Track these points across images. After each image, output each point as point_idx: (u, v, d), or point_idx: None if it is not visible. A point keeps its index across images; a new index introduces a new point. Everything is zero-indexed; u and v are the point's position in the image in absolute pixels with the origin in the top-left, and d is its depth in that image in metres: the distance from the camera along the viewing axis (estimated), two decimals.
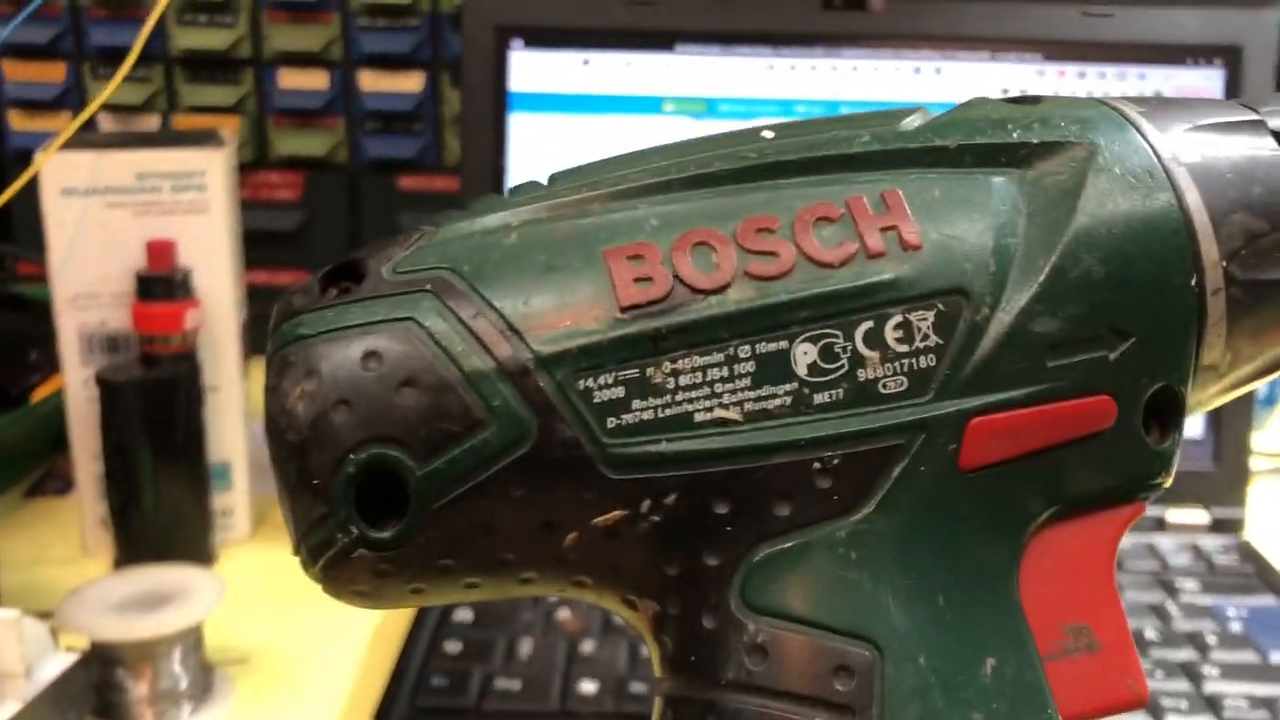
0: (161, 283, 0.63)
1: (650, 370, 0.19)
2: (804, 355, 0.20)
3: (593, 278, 0.19)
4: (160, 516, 0.64)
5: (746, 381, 0.19)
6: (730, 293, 0.19)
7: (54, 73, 0.96)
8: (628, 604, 0.21)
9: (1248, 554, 0.63)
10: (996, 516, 0.21)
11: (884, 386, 0.20)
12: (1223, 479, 0.65)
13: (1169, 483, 0.22)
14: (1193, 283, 0.21)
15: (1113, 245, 0.20)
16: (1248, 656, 0.53)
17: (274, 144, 0.93)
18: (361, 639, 0.58)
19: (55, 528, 0.70)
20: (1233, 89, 0.64)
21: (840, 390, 0.20)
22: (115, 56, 0.93)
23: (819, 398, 0.20)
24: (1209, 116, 0.22)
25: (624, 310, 0.19)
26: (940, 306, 0.20)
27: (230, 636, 0.57)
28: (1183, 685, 0.51)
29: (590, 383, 0.19)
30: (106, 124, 0.94)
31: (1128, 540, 0.61)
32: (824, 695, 0.19)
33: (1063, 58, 0.64)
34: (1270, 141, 0.22)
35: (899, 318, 0.20)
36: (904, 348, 0.20)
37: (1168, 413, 0.22)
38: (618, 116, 0.65)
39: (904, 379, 0.20)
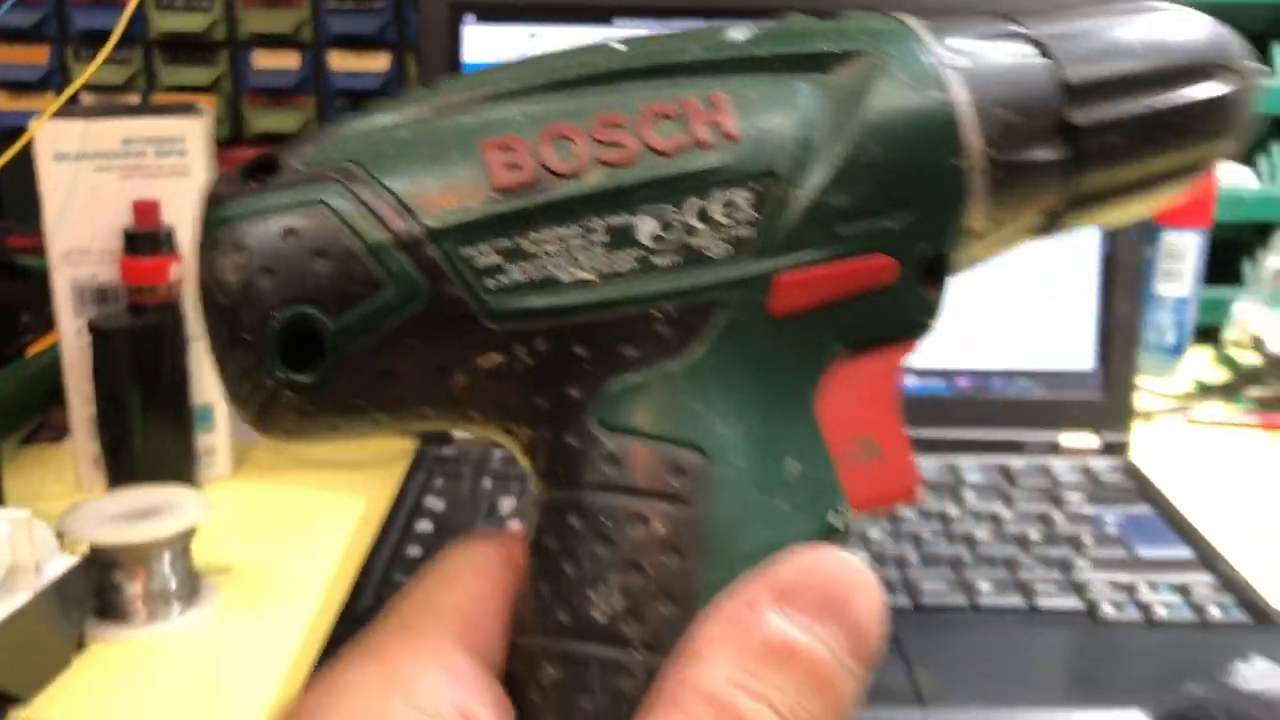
0: (147, 239, 0.69)
1: (521, 241, 0.22)
2: (646, 227, 0.23)
3: (471, 165, 0.22)
4: (148, 454, 0.70)
5: (601, 249, 0.23)
6: (585, 177, 0.23)
7: (38, 55, 1.01)
8: (508, 433, 0.24)
9: (1131, 472, 0.70)
10: (800, 353, 0.24)
11: (710, 252, 0.23)
12: (1110, 408, 0.73)
13: (935, 324, 0.26)
14: (959, 165, 0.24)
15: (893, 135, 0.24)
16: (1117, 553, 0.60)
17: (248, 122, 0.99)
18: (334, 555, 0.64)
19: (51, 470, 0.76)
20: None
21: (676, 256, 0.23)
22: (97, 39, 0.99)
23: (659, 261, 0.23)
24: (980, 29, 0.26)
25: (497, 191, 0.22)
26: (756, 186, 0.23)
27: (214, 553, 0.63)
28: (1055, 574, 0.58)
29: (472, 251, 0.22)
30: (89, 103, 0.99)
31: (1022, 462, 0.69)
32: (664, 490, 0.23)
33: None
34: (1028, 49, 0.26)
35: (723, 196, 0.23)
36: (727, 220, 0.23)
37: (938, 269, 0.25)
38: None
39: (727, 245, 0.23)
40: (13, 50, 1.00)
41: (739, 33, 0.25)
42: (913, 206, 0.24)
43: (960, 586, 0.57)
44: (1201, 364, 0.96)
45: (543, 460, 0.24)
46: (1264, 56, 1.02)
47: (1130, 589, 0.57)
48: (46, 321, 0.90)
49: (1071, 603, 0.56)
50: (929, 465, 0.69)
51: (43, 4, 0.99)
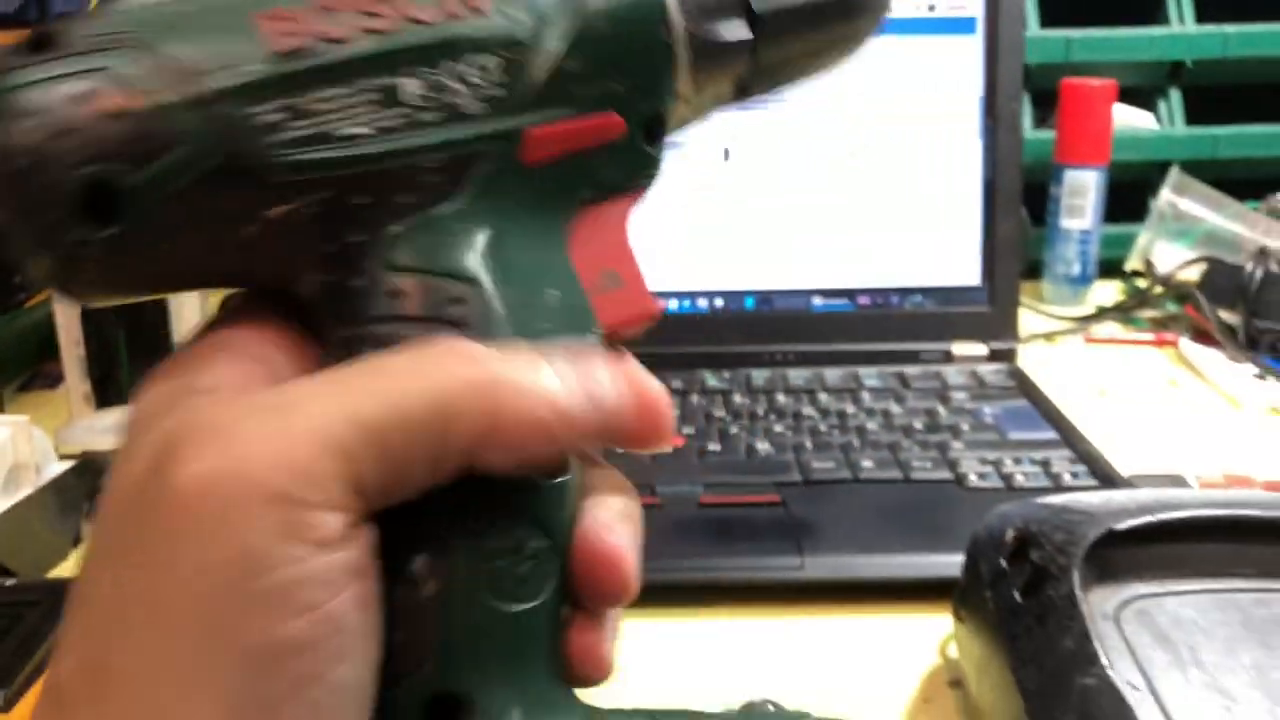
0: None
1: (299, 101, 0.24)
2: (412, 87, 0.25)
3: (248, 34, 0.24)
4: (133, 385, 0.77)
5: (371, 107, 0.25)
6: (354, 43, 0.25)
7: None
8: (296, 283, 0.26)
9: (1015, 375, 0.78)
10: (551, 198, 0.28)
11: (468, 109, 0.26)
12: (996, 319, 0.81)
13: (659, 175, 0.30)
14: (668, 40, 0.29)
15: (614, 14, 0.28)
16: (990, 436, 0.68)
17: None
18: None
19: (46, 411, 0.83)
20: (991, 3, 0.79)
21: (439, 113, 0.25)
22: None
23: (424, 117, 0.25)
24: None
25: (275, 55, 0.24)
26: (503, 53, 0.26)
27: None
28: (932, 454, 0.66)
29: (255, 110, 0.24)
30: None
31: (917, 369, 0.77)
32: (442, 317, 0.25)
33: None
34: None
35: (476, 60, 0.26)
36: (480, 81, 0.26)
37: (656, 129, 0.29)
38: None
39: (482, 104, 0.26)
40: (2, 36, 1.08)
41: None
42: (633, 72, 0.28)
43: (846, 465, 0.65)
44: (1109, 293, 1.04)
45: (331, 304, 0.25)
46: (1159, 6, 1.09)
47: (997, 463, 0.65)
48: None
49: (942, 474, 0.64)
50: (833, 375, 0.77)
51: None
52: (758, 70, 0.31)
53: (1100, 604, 0.41)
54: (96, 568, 0.22)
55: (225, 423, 0.22)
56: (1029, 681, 0.40)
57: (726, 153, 0.81)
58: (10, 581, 0.52)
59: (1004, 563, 0.44)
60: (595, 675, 0.26)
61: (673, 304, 0.81)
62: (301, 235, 0.25)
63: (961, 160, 0.81)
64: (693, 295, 0.82)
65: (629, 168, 0.29)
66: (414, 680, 0.24)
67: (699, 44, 0.29)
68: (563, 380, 0.24)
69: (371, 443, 0.22)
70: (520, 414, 0.23)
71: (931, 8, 0.80)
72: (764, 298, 0.81)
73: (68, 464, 0.61)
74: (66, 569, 0.61)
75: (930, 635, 0.52)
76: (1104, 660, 0.38)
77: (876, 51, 0.76)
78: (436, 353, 0.23)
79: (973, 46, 0.80)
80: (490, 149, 0.26)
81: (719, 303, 0.82)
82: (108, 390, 0.77)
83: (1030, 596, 0.42)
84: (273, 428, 0.21)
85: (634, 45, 0.28)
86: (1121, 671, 0.38)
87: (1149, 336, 0.94)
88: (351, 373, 0.23)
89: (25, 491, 0.58)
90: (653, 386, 0.25)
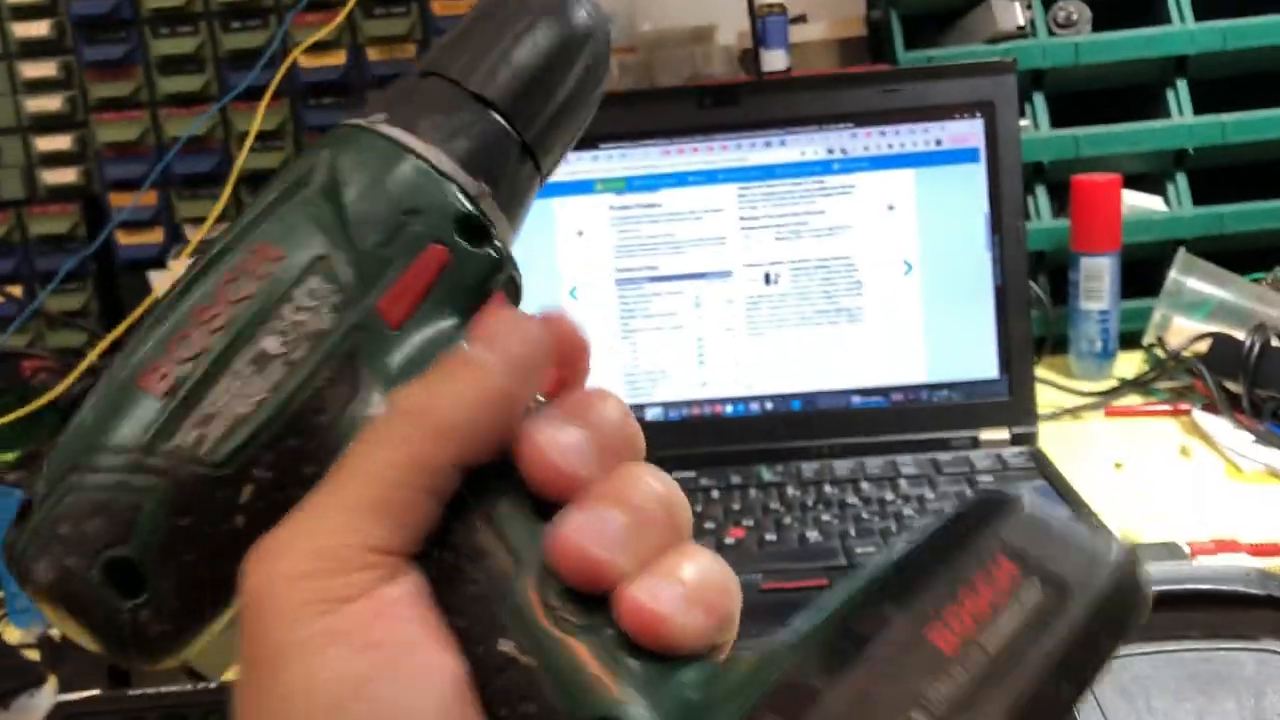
0: None
1: (199, 413, 0.27)
2: (272, 343, 0.28)
3: (140, 396, 0.27)
4: None
5: (256, 375, 0.27)
6: (210, 350, 0.28)
7: (148, 198, 1.23)
8: None
9: (1034, 456, 0.89)
10: (431, 341, 0.29)
11: (324, 325, 0.28)
12: (1015, 405, 0.92)
13: (511, 268, 0.31)
14: (465, 202, 0.30)
15: (373, 190, 0.30)
16: None
17: None
18: None
19: None
20: (991, 133, 0.91)
21: (306, 343, 0.28)
22: (195, 182, 1.22)
23: (296, 355, 0.28)
24: (434, 106, 0.31)
25: (162, 398, 0.27)
26: (318, 269, 0.28)
27: None
28: None
29: (173, 443, 0.27)
30: (190, 234, 1.22)
31: (948, 455, 0.88)
32: None
33: (869, 123, 0.92)
34: (471, 113, 0.31)
35: (301, 289, 0.28)
36: (316, 300, 0.28)
37: (475, 230, 0.30)
38: (562, 198, 0.93)
39: (331, 314, 0.28)
40: (129, 196, 1.23)
41: (257, 200, 0.30)
42: (414, 208, 0.30)
43: (885, 548, 0.76)
44: (1132, 364, 1.14)
45: None
46: (1157, 14, 1.17)
47: None
48: None
49: None
50: (874, 464, 0.89)
51: (149, 156, 1.22)
52: (545, 163, 0.33)
53: None
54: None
55: (267, 556, 0.26)
56: None
57: (768, 276, 0.93)
58: (206, 685, 0.64)
59: None
60: (664, 636, 0.26)
61: (729, 408, 0.94)
62: (277, 492, 0.27)
63: (974, 271, 0.93)
64: (746, 400, 0.94)
65: (477, 274, 0.30)
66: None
67: (453, 148, 0.31)
68: (480, 366, 0.27)
69: (373, 508, 0.25)
70: (471, 418, 0.26)
71: (939, 143, 0.92)
72: (808, 399, 0.93)
73: None
74: None
75: None
76: (1073, 710, 0.49)
77: (898, 183, 0.88)
78: (391, 421, 0.27)
79: (977, 173, 0.92)
80: (362, 336, 0.28)
81: (769, 405, 0.94)
82: None
83: None
84: (296, 538, 0.26)
85: (401, 191, 0.30)
86: (1086, 718, 0.49)
87: (1165, 407, 1.03)
88: (337, 476, 0.26)
89: None
90: (523, 323, 0.28)
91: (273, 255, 0.29)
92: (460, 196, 0.30)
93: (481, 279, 0.30)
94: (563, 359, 0.29)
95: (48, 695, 0.66)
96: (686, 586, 0.26)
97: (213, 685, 0.62)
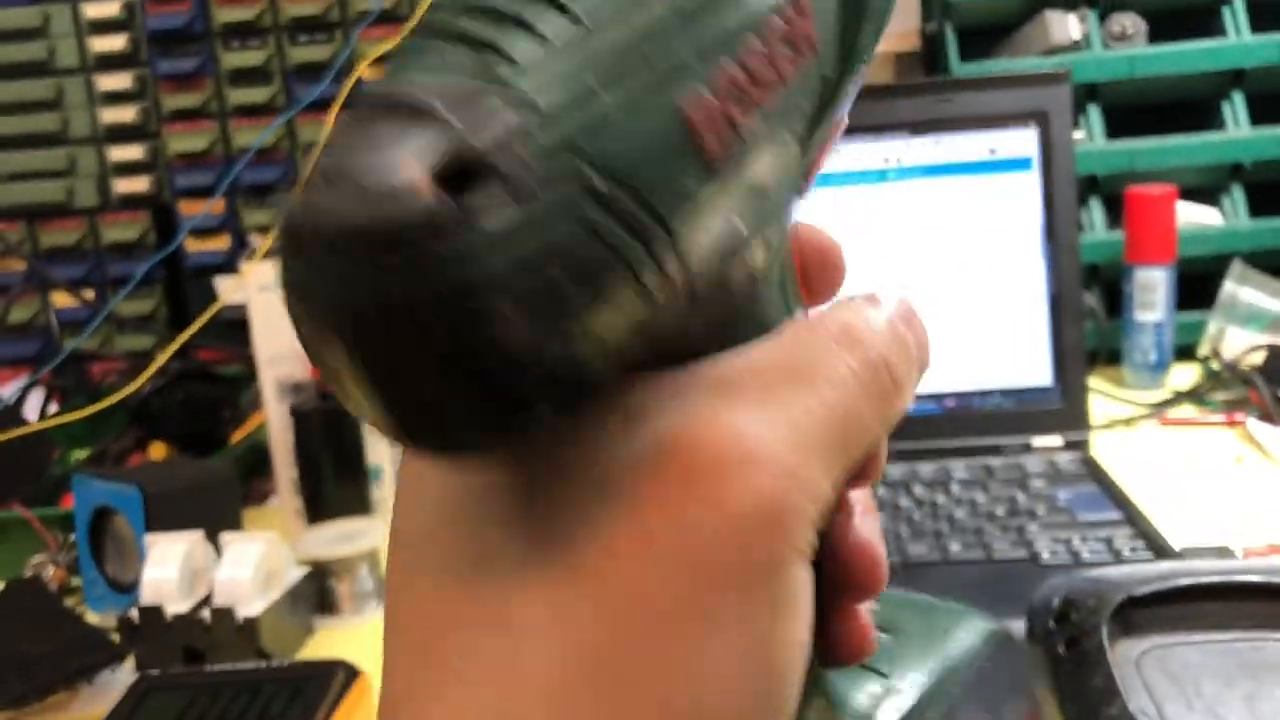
0: None
1: (715, 217, 0.21)
2: (769, 158, 0.22)
3: (686, 145, 0.20)
4: (337, 505, 0.93)
5: (751, 197, 0.22)
6: (750, 135, 0.22)
7: (217, 207, 1.27)
8: None
9: (1087, 463, 0.89)
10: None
11: (789, 163, 0.23)
12: (1069, 413, 0.92)
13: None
14: None
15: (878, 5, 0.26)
16: (1062, 518, 0.80)
17: None
18: None
19: (259, 525, 1.00)
20: (1045, 142, 0.92)
21: (779, 176, 0.23)
22: (262, 191, 1.26)
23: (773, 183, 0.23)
24: None
25: (710, 167, 0.21)
26: (815, 93, 0.24)
27: None
28: (1011, 536, 0.78)
29: (691, 243, 0.20)
30: (256, 241, 1.26)
31: (1000, 461, 0.88)
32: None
33: (923, 132, 0.93)
34: None
35: (804, 105, 0.24)
36: (803, 124, 0.24)
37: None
38: None
39: (798, 147, 0.24)
40: (198, 204, 1.27)
41: None
42: (864, 61, 0.26)
43: (937, 548, 0.77)
44: (1188, 376, 1.14)
45: None
46: (1213, 26, 1.17)
47: (1067, 542, 0.76)
48: (241, 415, 1.16)
49: (1020, 553, 0.75)
50: (926, 469, 0.90)
51: (218, 165, 1.26)
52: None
53: (1124, 653, 0.53)
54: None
55: (755, 438, 0.21)
56: (1069, 713, 0.51)
57: None
58: (274, 663, 0.67)
59: (1052, 624, 0.56)
60: (861, 655, 0.26)
61: None
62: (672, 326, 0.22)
63: (1029, 278, 0.93)
64: None
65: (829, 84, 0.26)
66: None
67: None
68: (899, 351, 0.25)
69: (845, 456, 0.22)
70: (899, 411, 0.24)
71: (993, 151, 0.93)
72: None
73: (304, 569, 0.77)
74: (304, 653, 0.76)
75: None
76: (1124, 695, 0.49)
77: (952, 190, 0.89)
78: (840, 358, 0.23)
79: (1031, 182, 0.93)
80: (794, 189, 0.24)
81: None
82: (316, 505, 0.93)
83: (1070, 649, 0.54)
84: (798, 453, 0.21)
85: (880, 28, 0.26)
86: (1138, 704, 0.50)
87: (1219, 418, 1.03)
88: (806, 371, 0.22)
89: (276, 593, 0.74)
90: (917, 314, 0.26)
91: (810, 38, 0.23)
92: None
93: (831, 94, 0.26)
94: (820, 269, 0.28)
95: (127, 671, 0.68)
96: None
97: (284, 664, 0.65)
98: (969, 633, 0.33)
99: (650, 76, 0.19)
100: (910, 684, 0.29)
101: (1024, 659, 0.58)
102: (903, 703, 0.29)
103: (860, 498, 0.26)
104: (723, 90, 0.20)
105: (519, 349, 0.18)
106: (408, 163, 0.17)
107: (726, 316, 0.23)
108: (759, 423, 0.21)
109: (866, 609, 0.26)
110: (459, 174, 0.17)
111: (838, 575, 0.25)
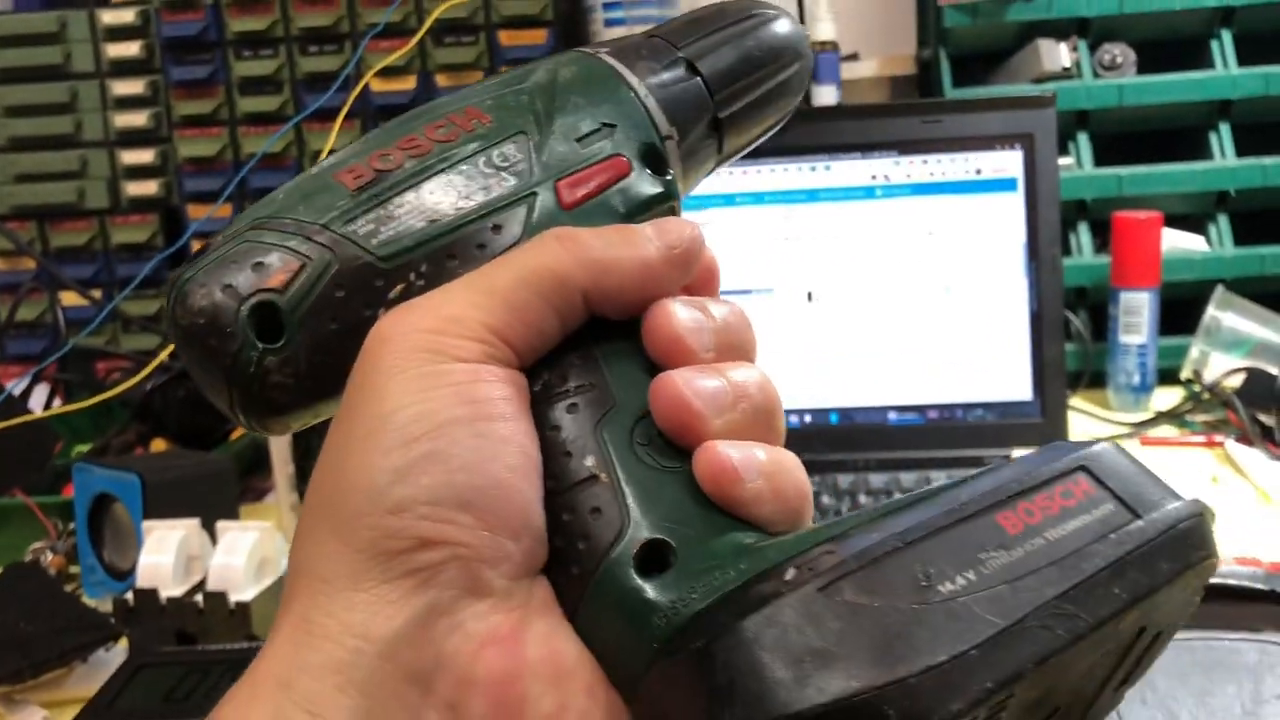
0: None
1: (380, 213, 0.31)
2: (457, 180, 0.32)
3: (332, 187, 0.31)
4: None
5: (436, 198, 0.31)
6: (402, 167, 0.32)
7: (224, 210, 1.29)
8: None
9: None
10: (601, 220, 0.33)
11: (505, 182, 0.32)
12: (1048, 427, 0.94)
13: (674, 201, 0.34)
14: (631, 93, 0.35)
15: (575, 88, 0.35)
16: None
17: None
18: None
19: (255, 519, 1.01)
20: (1029, 164, 0.94)
21: (482, 191, 0.32)
22: (268, 160, 1.27)
23: (476, 199, 0.32)
24: (657, 58, 0.36)
25: (354, 191, 0.31)
26: (515, 140, 0.33)
27: None
28: None
29: (354, 226, 0.30)
30: None
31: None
32: None
33: (911, 152, 0.96)
34: (681, 71, 0.36)
35: (497, 150, 0.33)
36: (507, 162, 0.33)
37: (657, 161, 0.34)
38: None
39: (515, 177, 0.32)
40: (206, 208, 1.30)
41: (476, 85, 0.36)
42: (614, 120, 0.34)
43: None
44: (1170, 399, 1.15)
45: None
46: (1201, 58, 1.21)
47: None
48: None
49: None
50: (908, 478, 0.92)
51: (227, 171, 1.29)
52: (726, 145, 0.37)
53: None
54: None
55: (401, 310, 0.29)
56: None
57: (810, 295, 0.97)
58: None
59: None
60: (725, 481, 0.28)
61: None
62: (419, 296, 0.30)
63: (1011, 296, 0.96)
64: (785, 413, 0.97)
65: (646, 196, 0.34)
66: (619, 547, 0.27)
67: (657, 91, 0.35)
68: (642, 238, 0.30)
69: (503, 297, 0.29)
70: (616, 268, 0.30)
71: (978, 171, 0.96)
72: (846, 414, 0.97)
73: None
74: None
75: None
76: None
77: (939, 209, 0.92)
78: (546, 238, 0.30)
79: (1015, 202, 0.96)
80: (535, 201, 0.32)
81: (808, 418, 0.97)
82: None
83: None
84: (431, 301, 0.29)
85: (607, 106, 0.34)
86: None
87: (1199, 438, 1.05)
88: (487, 265, 0.30)
89: (268, 580, 0.75)
90: (690, 228, 0.32)
91: (481, 118, 0.33)
92: (653, 129, 0.34)
93: (648, 202, 0.34)
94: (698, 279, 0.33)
95: (121, 650, 0.70)
96: (765, 461, 0.28)
97: None
98: None
99: (322, 174, 0.32)
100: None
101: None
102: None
103: (684, 298, 0.31)
104: (371, 161, 0.32)
105: (209, 309, 0.29)
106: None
107: None
108: (418, 301, 0.29)
109: (719, 446, 0.28)
110: (196, 258, 0.31)
111: (657, 420, 0.29)
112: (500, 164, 0.32)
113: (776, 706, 0.22)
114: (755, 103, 0.37)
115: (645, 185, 0.34)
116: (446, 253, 0.31)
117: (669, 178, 0.34)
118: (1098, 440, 0.28)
